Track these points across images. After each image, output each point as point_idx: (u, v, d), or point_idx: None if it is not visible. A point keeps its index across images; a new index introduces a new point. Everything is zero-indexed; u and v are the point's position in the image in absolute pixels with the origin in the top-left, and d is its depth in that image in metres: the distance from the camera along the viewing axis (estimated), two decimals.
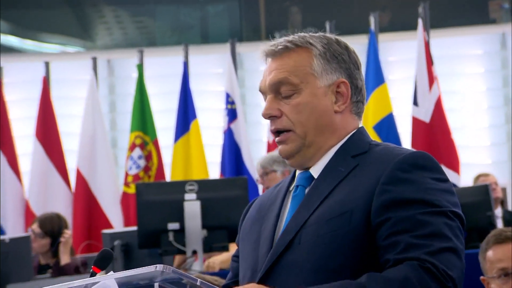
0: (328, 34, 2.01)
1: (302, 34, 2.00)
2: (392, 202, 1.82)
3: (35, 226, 5.66)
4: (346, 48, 2.00)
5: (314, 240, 1.84)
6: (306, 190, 1.94)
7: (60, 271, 5.51)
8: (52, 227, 5.67)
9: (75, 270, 5.57)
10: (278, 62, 1.98)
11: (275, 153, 5.66)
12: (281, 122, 1.96)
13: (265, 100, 2.00)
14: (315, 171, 1.96)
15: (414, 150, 1.92)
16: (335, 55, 1.97)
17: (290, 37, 1.99)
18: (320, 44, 1.97)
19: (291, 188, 2.00)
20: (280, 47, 1.97)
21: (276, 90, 1.97)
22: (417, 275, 1.73)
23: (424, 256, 1.75)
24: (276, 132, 1.98)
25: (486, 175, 7.26)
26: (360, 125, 2.02)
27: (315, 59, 1.96)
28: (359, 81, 2.00)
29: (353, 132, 1.98)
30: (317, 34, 2.00)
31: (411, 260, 1.75)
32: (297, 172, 2.01)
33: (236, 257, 2.07)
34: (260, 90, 2.01)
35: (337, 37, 2.02)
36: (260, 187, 6.23)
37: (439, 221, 1.81)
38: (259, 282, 1.87)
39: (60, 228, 5.70)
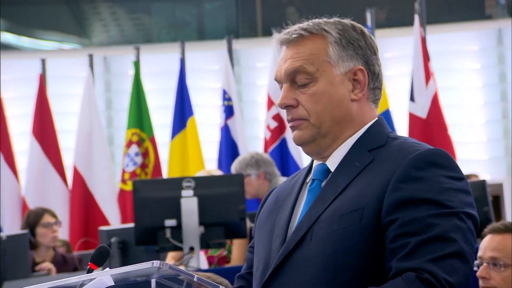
0: (343, 20, 1.97)
1: (317, 20, 1.95)
2: (402, 201, 1.79)
3: (48, 218, 5.62)
4: (362, 33, 1.95)
5: (325, 236, 1.82)
6: (323, 184, 1.91)
7: (59, 267, 5.51)
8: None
9: (72, 267, 5.57)
10: (293, 51, 1.93)
11: (247, 155, 5.67)
12: (297, 111, 1.92)
13: (280, 89, 1.95)
14: (332, 164, 1.92)
15: (431, 147, 1.88)
16: (351, 41, 1.93)
17: (305, 24, 1.94)
18: (335, 30, 1.93)
19: (308, 180, 1.96)
20: (294, 35, 1.93)
21: (292, 79, 1.92)
22: None
23: (425, 264, 1.73)
24: (292, 120, 1.93)
25: (475, 176, 7.23)
26: (378, 115, 1.97)
27: (330, 47, 1.92)
28: (376, 67, 1.95)
29: (371, 123, 1.94)
30: (332, 20, 1.96)
31: (410, 271, 1.73)
32: (314, 163, 1.97)
33: (252, 248, 2.04)
34: (276, 79, 1.96)
35: (353, 22, 1.97)
36: None
37: (448, 223, 1.77)
38: (269, 278, 1.87)
39: None
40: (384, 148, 1.89)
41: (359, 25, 1.98)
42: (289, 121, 1.94)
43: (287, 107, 1.92)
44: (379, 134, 1.93)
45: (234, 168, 5.60)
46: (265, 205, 2.05)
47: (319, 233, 1.83)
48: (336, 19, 1.97)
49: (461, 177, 1.84)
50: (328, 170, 1.93)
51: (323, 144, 1.92)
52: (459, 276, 1.75)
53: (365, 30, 1.97)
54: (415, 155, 1.83)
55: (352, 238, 1.79)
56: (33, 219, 5.63)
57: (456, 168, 1.84)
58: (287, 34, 1.94)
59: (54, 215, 5.67)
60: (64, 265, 5.57)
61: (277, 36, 1.96)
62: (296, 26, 1.95)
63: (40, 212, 5.66)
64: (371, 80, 1.94)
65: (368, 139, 1.92)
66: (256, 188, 5.60)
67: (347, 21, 1.97)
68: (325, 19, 1.96)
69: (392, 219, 1.78)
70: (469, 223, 1.80)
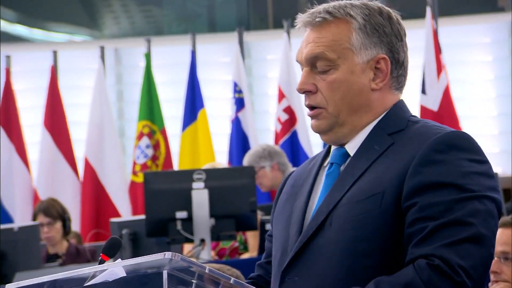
0: (371, 3, 1.91)
1: (343, 3, 1.90)
2: (422, 185, 1.75)
3: (41, 218, 5.61)
4: (389, 18, 1.91)
5: (345, 222, 1.79)
6: (341, 168, 1.88)
7: (72, 259, 5.52)
8: (56, 210, 5.67)
9: (85, 259, 5.58)
10: (315, 34, 1.88)
11: (259, 147, 5.67)
12: (315, 98, 1.88)
13: (301, 71, 1.91)
14: (351, 148, 1.88)
15: (452, 129, 1.83)
16: (376, 28, 1.88)
17: (330, 7, 1.89)
18: (360, 16, 1.88)
19: (325, 164, 1.93)
20: (318, 19, 1.87)
21: (312, 64, 1.88)
22: (423, 276, 1.69)
23: (438, 250, 1.71)
24: (310, 106, 1.90)
25: None
26: (399, 99, 1.92)
27: (354, 33, 1.86)
28: (401, 54, 1.91)
29: (391, 107, 1.90)
30: (358, 3, 1.90)
31: (422, 258, 1.71)
32: (332, 147, 1.94)
33: (270, 236, 2.02)
34: (297, 60, 1.92)
35: (380, 5, 1.92)
36: None
37: (467, 207, 1.73)
38: (289, 264, 1.84)
39: (61, 207, 5.71)
40: (404, 132, 1.85)
41: (387, 9, 1.92)
42: (307, 106, 1.91)
43: (305, 92, 1.89)
44: (399, 118, 1.89)
45: (247, 161, 5.60)
46: (283, 189, 2.01)
47: (338, 219, 1.80)
48: (364, 1, 1.91)
49: (483, 160, 1.80)
50: (346, 154, 1.89)
51: (341, 134, 1.89)
52: (474, 260, 1.72)
53: (393, 14, 1.92)
54: (436, 138, 1.79)
55: (372, 224, 1.76)
56: (33, 217, 5.66)
57: (478, 151, 1.81)
58: (311, 17, 1.89)
59: (48, 215, 5.59)
60: (77, 257, 5.59)
61: (301, 17, 1.91)
62: (321, 8, 1.90)
63: (36, 212, 5.66)
64: (395, 68, 1.90)
65: (388, 123, 1.88)
66: (271, 180, 5.62)
67: (375, 4, 1.91)
68: (352, 1, 1.91)
69: (412, 203, 1.75)
70: (490, 207, 1.76)
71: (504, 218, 3.12)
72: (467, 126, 7.96)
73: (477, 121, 8.78)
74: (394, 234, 1.76)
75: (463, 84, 8.71)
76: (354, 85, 1.86)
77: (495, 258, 3.02)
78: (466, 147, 1.80)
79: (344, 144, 1.90)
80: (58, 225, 5.63)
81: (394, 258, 1.76)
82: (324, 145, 1.99)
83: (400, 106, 1.92)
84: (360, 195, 1.79)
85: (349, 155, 1.89)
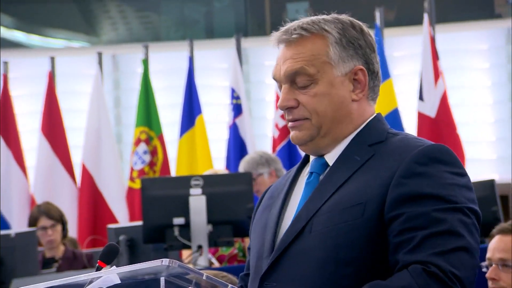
0: (342, 17, 1.94)
1: (316, 18, 1.93)
2: (406, 196, 1.78)
3: (44, 221, 5.59)
4: (362, 31, 1.94)
5: (325, 230, 1.81)
6: (320, 177, 1.91)
7: (69, 263, 5.51)
8: (57, 212, 5.67)
9: (82, 264, 5.57)
10: (292, 51, 1.91)
11: (255, 155, 5.66)
12: (298, 112, 1.91)
13: (279, 88, 1.94)
14: (330, 158, 1.92)
15: (432, 142, 1.88)
16: (351, 41, 1.91)
17: (304, 23, 1.91)
18: (335, 30, 1.91)
19: (305, 173, 1.96)
20: (294, 35, 1.90)
21: (292, 80, 1.91)
22: (420, 282, 1.71)
23: (432, 257, 1.73)
24: (294, 120, 1.92)
25: None
26: (375, 111, 1.96)
27: (331, 47, 1.90)
28: (375, 65, 1.94)
29: (370, 119, 1.94)
30: (330, 18, 1.93)
31: (416, 264, 1.73)
32: (311, 157, 1.97)
33: (250, 249, 2.04)
34: (274, 78, 1.95)
35: (351, 19, 1.95)
36: None
37: (453, 218, 1.77)
38: (268, 270, 1.85)
39: (59, 210, 5.70)
40: (384, 143, 1.89)
41: (357, 22, 1.96)
42: (290, 121, 1.93)
43: (288, 108, 1.92)
44: (378, 130, 1.92)
45: (243, 168, 5.58)
46: (261, 203, 2.04)
47: (319, 226, 1.82)
48: (335, 15, 1.94)
49: (463, 173, 1.85)
50: (326, 164, 1.92)
51: (321, 144, 1.92)
52: (466, 270, 1.75)
53: (364, 27, 1.95)
54: (418, 150, 1.83)
55: (354, 232, 1.79)
56: (32, 221, 5.64)
57: (458, 164, 1.85)
58: (287, 34, 1.91)
59: (51, 217, 5.59)
60: (74, 261, 5.58)
61: (276, 35, 1.93)
62: (295, 24, 1.92)
63: (36, 216, 5.64)
64: (371, 79, 1.93)
65: (368, 134, 1.91)
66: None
67: (345, 18, 1.94)
68: (323, 16, 1.94)
69: (397, 214, 1.78)
70: (473, 219, 1.81)
71: (503, 225, 3.13)
72: (464, 132, 7.97)
73: (474, 128, 8.79)
74: (375, 243, 1.79)
75: (460, 90, 8.72)
76: (335, 97, 1.90)
77: (493, 265, 3.02)
78: (447, 160, 1.84)
79: (323, 154, 1.93)
80: (59, 227, 5.64)
81: (374, 267, 1.79)
82: None
83: (378, 119, 1.96)
84: (342, 204, 1.82)
85: (328, 165, 1.92)
